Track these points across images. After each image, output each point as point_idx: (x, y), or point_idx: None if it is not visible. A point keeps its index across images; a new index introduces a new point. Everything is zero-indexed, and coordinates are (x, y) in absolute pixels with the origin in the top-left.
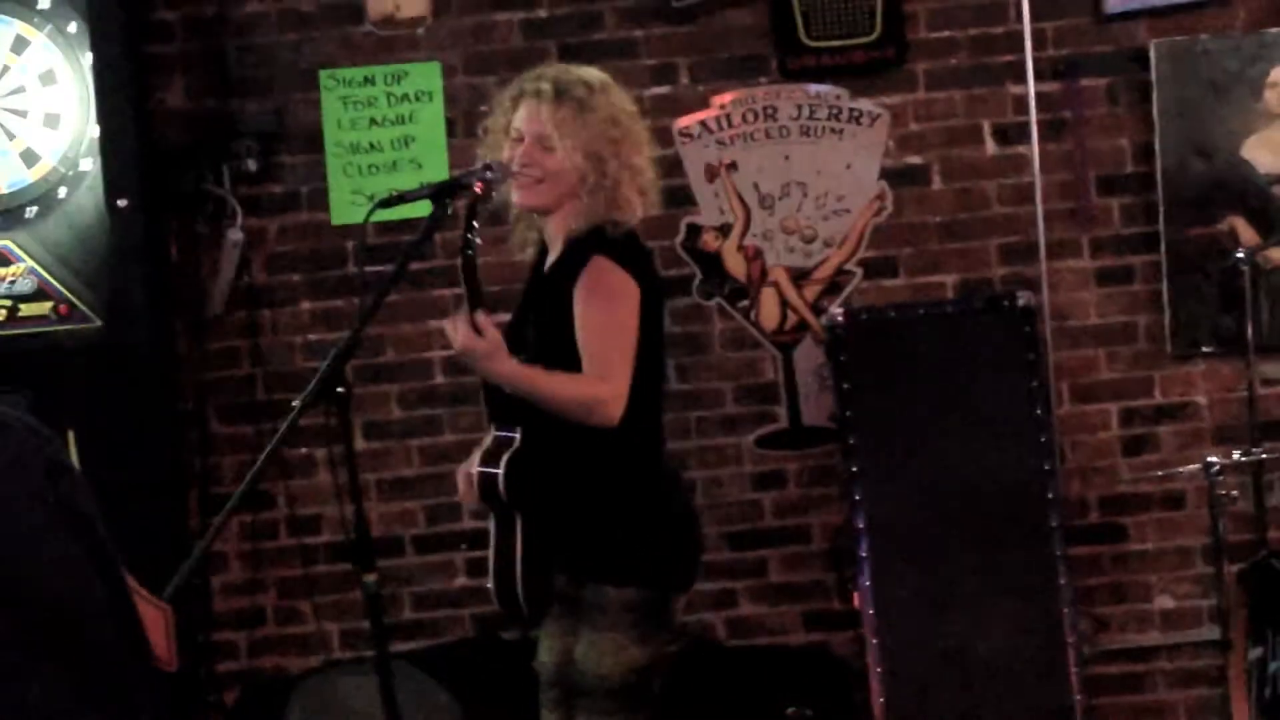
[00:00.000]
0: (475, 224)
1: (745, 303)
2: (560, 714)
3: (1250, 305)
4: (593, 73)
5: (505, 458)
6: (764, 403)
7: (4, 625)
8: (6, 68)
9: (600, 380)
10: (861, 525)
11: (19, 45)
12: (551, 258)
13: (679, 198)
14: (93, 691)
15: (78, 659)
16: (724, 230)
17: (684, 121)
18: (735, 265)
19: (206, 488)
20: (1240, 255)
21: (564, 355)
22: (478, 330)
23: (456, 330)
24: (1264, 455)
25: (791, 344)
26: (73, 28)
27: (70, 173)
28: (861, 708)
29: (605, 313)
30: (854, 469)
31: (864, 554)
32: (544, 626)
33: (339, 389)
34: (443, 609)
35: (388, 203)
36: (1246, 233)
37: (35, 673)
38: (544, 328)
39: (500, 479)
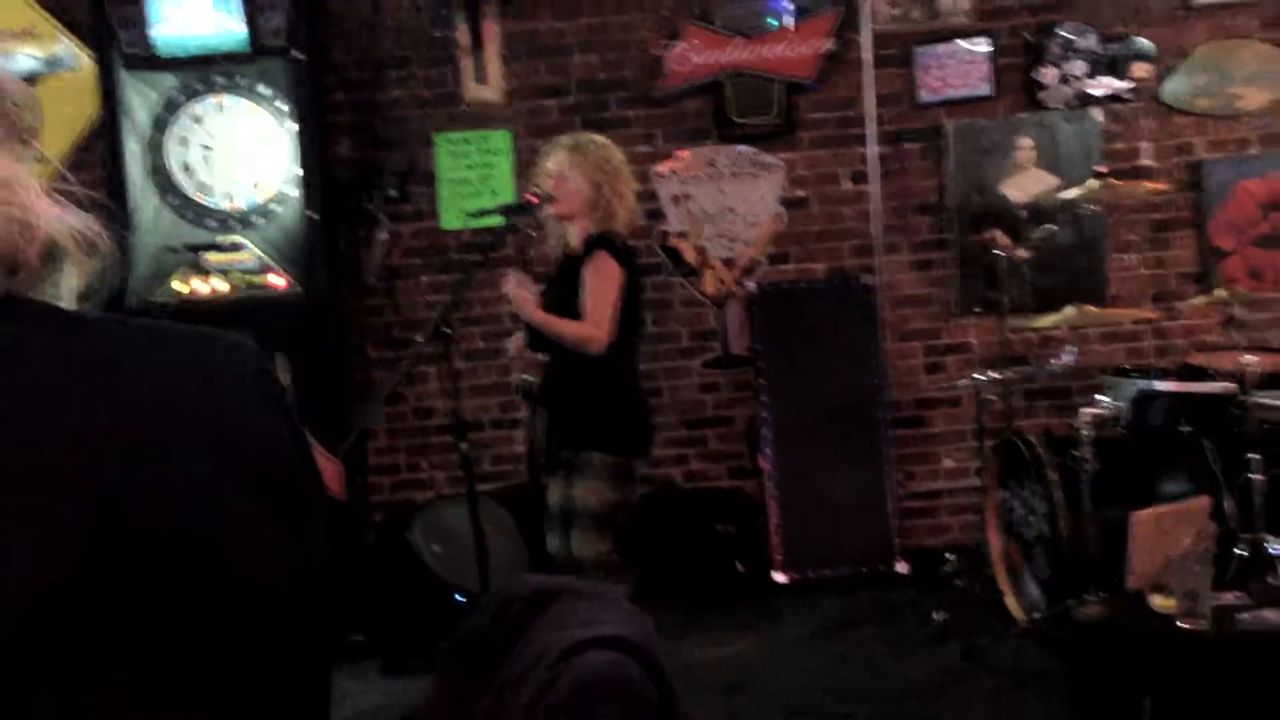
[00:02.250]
0: (534, 221)
1: (695, 279)
2: (559, 533)
3: (1004, 283)
4: (596, 136)
5: (538, 380)
6: (706, 340)
7: (229, 473)
8: (241, 131)
9: (593, 326)
10: (766, 417)
11: (249, 116)
12: (573, 247)
13: (655, 215)
14: (285, 515)
15: (279, 496)
16: (683, 235)
17: (659, 168)
18: (689, 256)
19: (364, 389)
20: (999, 253)
21: (574, 309)
22: (521, 284)
23: (510, 284)
24: (1010, 375)
25: (723, 304)
26: (281, 104)
27: (281, 196)
28: (763, 528)
29: (600, 285)
30: (762, 382)
31: (767, 434)
32: (551, 480)
33: (445, 329)
34: (507, 465)
35: (478, 214)
36: (1003, 239)
37: (249, 503)
38: (565, 292)
39: (535, 385)
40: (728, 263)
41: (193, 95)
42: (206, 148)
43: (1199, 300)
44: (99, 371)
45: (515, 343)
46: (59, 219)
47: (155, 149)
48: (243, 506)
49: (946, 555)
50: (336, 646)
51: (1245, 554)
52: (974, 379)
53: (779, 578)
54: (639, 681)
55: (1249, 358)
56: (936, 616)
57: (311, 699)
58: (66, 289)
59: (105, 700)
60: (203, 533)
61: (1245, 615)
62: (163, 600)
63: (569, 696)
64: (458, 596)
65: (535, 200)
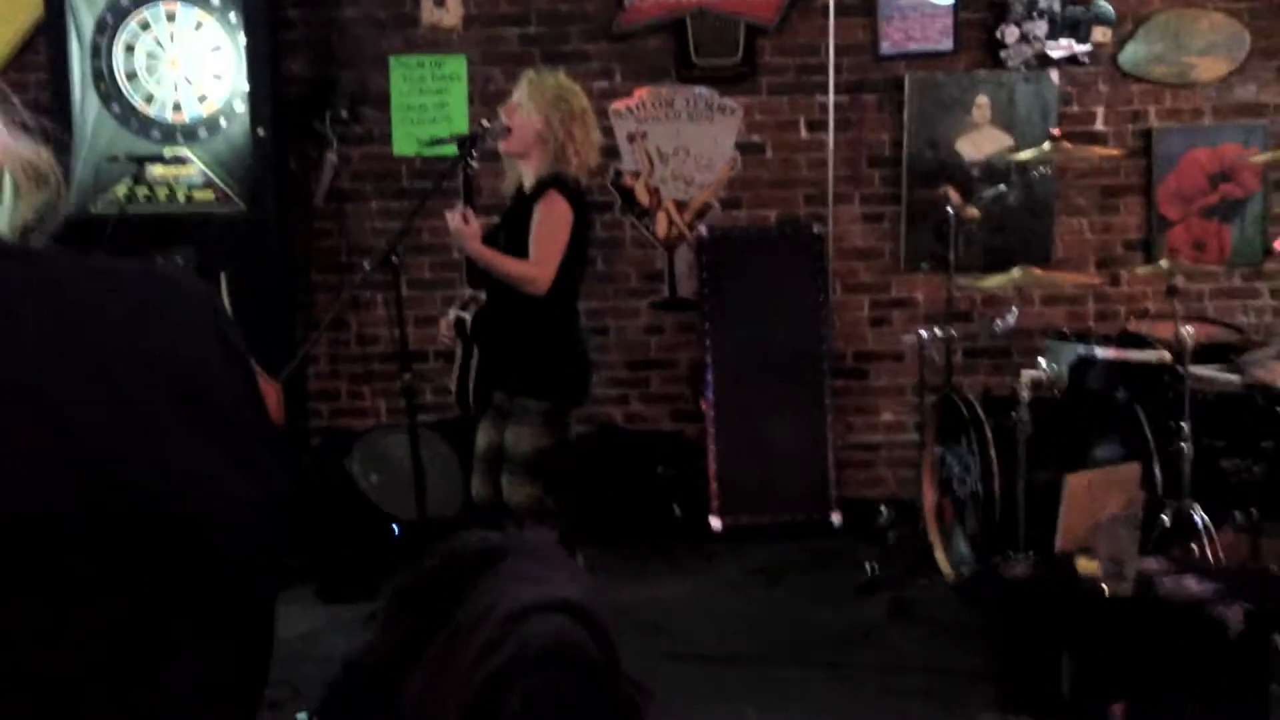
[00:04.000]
0: (475, 153)
1: (647, 220)
2: (484, 479)
3: (953, 241)
4: (561, 76)
5: (473, 309)
6: (654, 281)
7: (180, 410)
8: (190, 42)
9: (536, 265)
10: (709, 361)
11: (198, 26)
12: (526, 186)
13: (610, 153)
14: (237, 455)
15: (228, 435)
16: (636, 175)
17: (616, 105)
18: (642, 196)
19: (308, 313)
20: (950, 210)
21: (523, 248)
22: (465, 219)
23: (454, 217)
24: (953, 332)
25: (674, 246)
26: (233, 17)
27: (228, 110)
28: (701, 471)
29: (547, 225)
30: (707, 326)
31: (709, 379)
32: (481, 422)
33: (394, 258)
34: (449, 396)
35: (431, 144)
36: (955, 196)
37: (197, 443)
38: (515, 229)
39: (468, 322)
40: (680, 205)
41: (141, 1)
42: (152, 56)
43: (1141, 270)
44: (51, 300)
45: (444, 325)
46: (6, 149)
47: (99, 54)
48: (194, 444)
49: (881, 508)
50: (283, 582)
51: (1170, 521)
52: (918, 335)
53: (715, 523)
54: (585, 647)
55: (1186, 329)
56: (868, 567)
57: (260, 632)
58: (8, 221)
59: (73, 629)
60: (157, 469)
61: (1167, 581)
62: (121, 531)
63: (516, 661)
64: (394, 527)
65: (486, 128)
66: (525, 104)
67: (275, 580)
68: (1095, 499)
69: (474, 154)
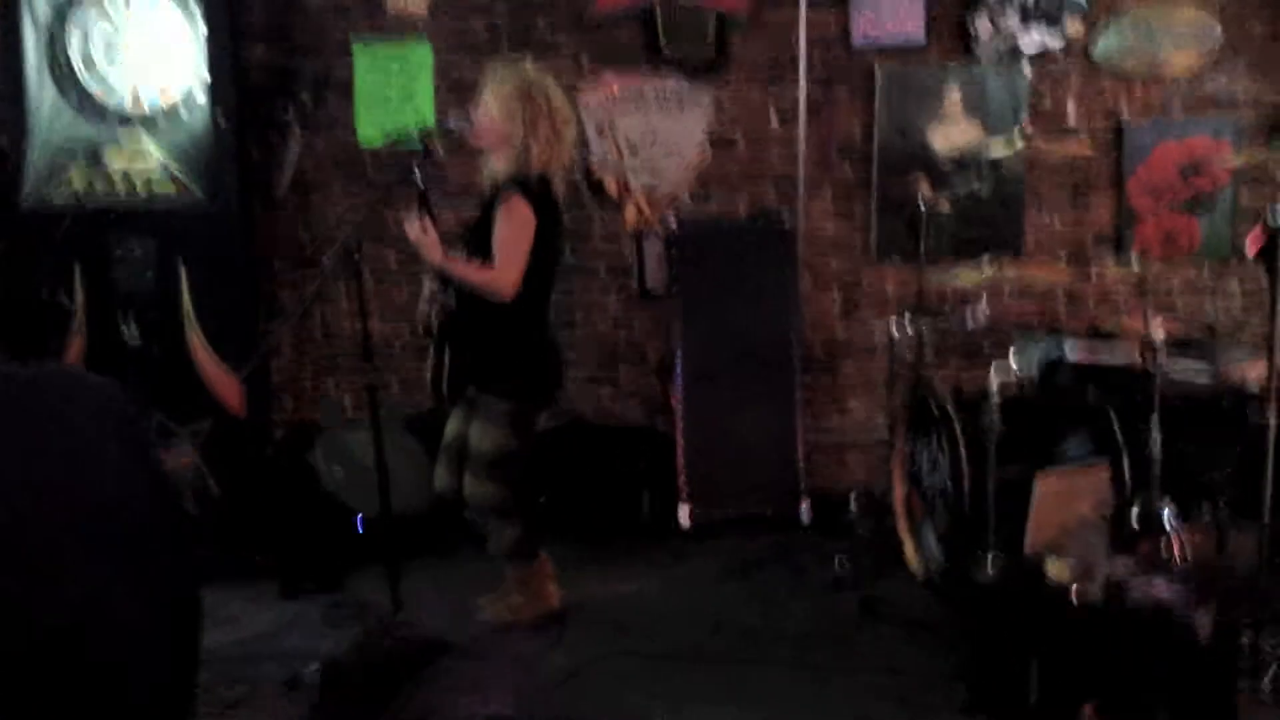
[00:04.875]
0: (426, 164)
1: (615, 211)
2: (449, 469)
3: (923, 232)
4: (529, 68)
5: (438, 310)
6: (624, 274)
7: (86, 541)
8: (148, 28)
9: (499, 272)
10: (679, 354)
11: (156, 13)
12: (499, 183)
13: (579, 143)
14: (142, 579)
15: (136, 558)
16: (605, 165)
17: (585, 96)
18: (611, 187)
19: (270, 305)
20: (921, 202)
21: (488, 251)
22: (424, 230)
23: (411, 228)
24: (923, 326)
25: (643, 238)
26: (192, 3)
27: (188, 99)
28: (671, 465)
29: (508, 231)
30: (677, 319)
31: (679, 372)
32: (453, 412)
33: (355, 256)
34: (416, 390)
35: (392, 142)
36: (925, 188)
37: (104, 572)
38: (481, 233)
39: (435, 323)
40: (650, 196)
41: None
42: (110, 44)
43: (1112, 269)
44: None
45: (420, 313)
46: None
47: (55, 40)
48: (97, 577)
49: (850, 502)
50: (191, 701)
51: (1139, 523)
52: (889, 329)
53: (684, 517)
54: None
55: (1157, 329)
56: (838, 563)
57: None
58: None
59: None
60: (59, 606)
61: (1136, 585)
62: (18, 670)
63: None
64: (358, 522)
65: (451, 127)
66: (487, 100)
67: (185, 701)
68: (1064, 501)
69: (425, 165)
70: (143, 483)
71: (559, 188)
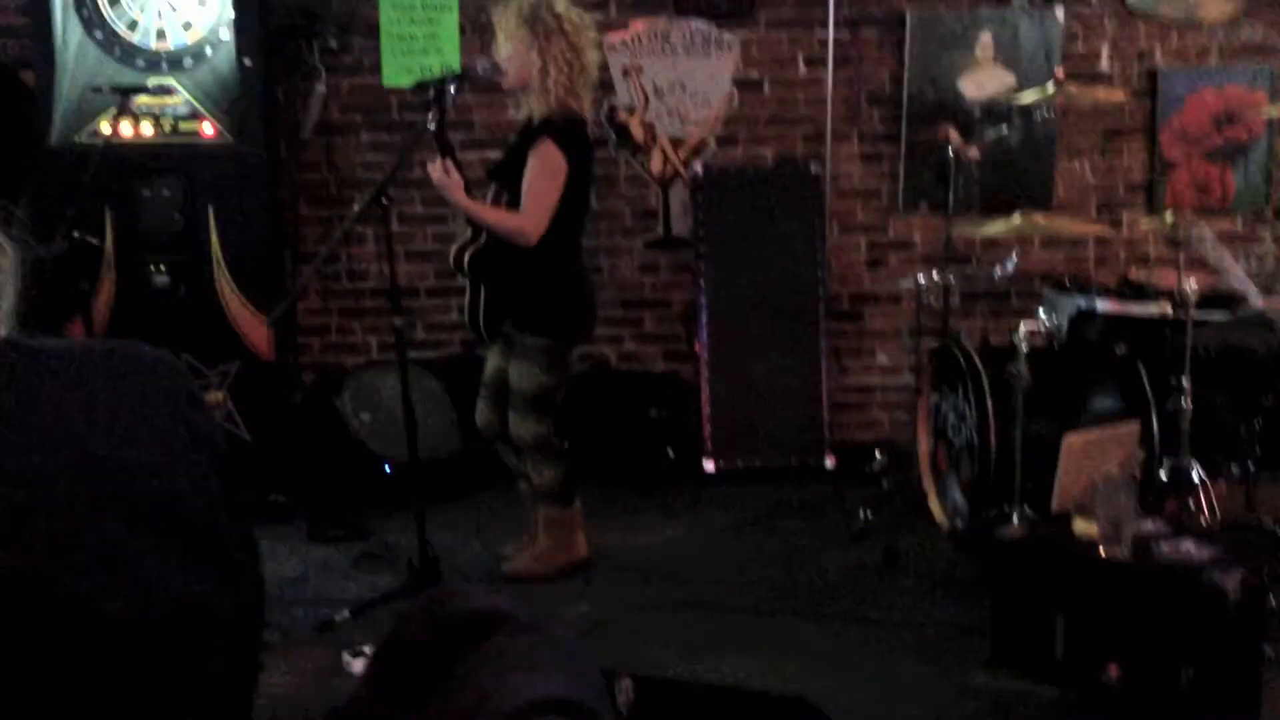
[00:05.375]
0: (450, 101)
1: (641, 157)
2: (490, 405)
3: (952, 182)
4: (557, 3)
5: (469, 251)
6: (649, 220)
7: (137, 516)
8: None
9: (525, 219)
10: (703, 301)
11: None
12: (534, 120)
13: (605, 87)
14: (201, 560)
15: (192, 543)
16: (631, 110)
17: (611, 39)
18: (637, 133)
19: (296, 248)
20: (949, 151)
21: (517, 188)
22: (447, 171)
23: (435, 169)
24: (950, 276)
25: (669, 184)
26: None
27: (214, 39)
28: (695, 411)
29: (539, 178)
30: (702, 265)
31: (703, 319)
32: (491, 348)
33: (384, 200)
34: (441, 333)
35: (417, 86)
36: (955, 137)
37: (156, 549)
38: (513, 169)
39: (466, 262)
40: (675, 142)
41: None
42: None
43: (1144, 223)
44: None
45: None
46: None
47: None
48: (149, 564)
49: (875, 453)
50: (254, 686)
51: (1168, 476)
52: (915, 278)
53: (708, 466)
54: None
55: (1190, 282)
56: (861, 514)
57: None
58: None
59: None
60: (116, 597)
61: (1164, 544)
62: (49, 637)
63: None
64: (386, 466)
65: (478, 70)
66: (500, 40)
67: (246, 694)
68: (1092, 459)
69: (443, 108)
70: (205, 467)
71: (590, 125)
